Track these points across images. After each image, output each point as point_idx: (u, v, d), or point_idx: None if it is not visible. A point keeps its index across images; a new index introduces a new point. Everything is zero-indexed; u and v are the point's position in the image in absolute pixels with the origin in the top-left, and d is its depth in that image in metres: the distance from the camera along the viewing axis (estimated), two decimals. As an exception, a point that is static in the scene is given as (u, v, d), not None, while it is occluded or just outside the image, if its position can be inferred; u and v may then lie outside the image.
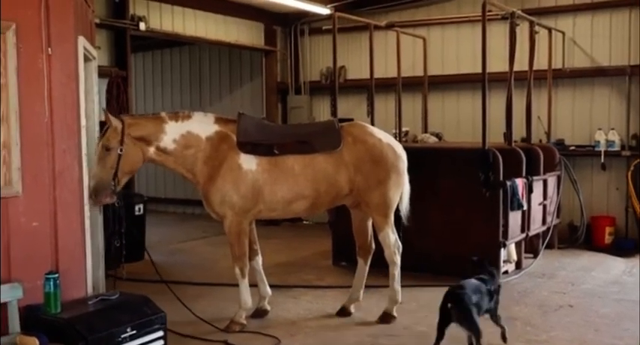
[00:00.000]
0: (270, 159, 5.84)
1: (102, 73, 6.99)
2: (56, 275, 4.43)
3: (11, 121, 4.39)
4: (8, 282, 4.36)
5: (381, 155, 6.04)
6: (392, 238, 6.11)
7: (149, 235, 9.22)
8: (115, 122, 5.47)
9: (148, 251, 6.25)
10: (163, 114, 5.80)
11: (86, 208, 5.10)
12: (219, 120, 5.93)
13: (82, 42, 5.12)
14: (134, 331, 4.53)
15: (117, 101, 8.92)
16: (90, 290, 5.07)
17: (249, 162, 5.77)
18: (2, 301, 4.31)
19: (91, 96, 5.70)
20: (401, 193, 6.25)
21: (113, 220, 6.23)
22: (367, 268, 6.39)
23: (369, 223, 6.34)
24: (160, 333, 4.77)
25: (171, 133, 5.67)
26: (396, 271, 6.15)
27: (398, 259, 6.14)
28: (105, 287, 5.76)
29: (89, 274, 5.09)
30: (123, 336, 4.45)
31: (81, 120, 5.04)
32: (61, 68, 4.75)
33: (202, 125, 5.80)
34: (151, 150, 5.64)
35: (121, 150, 5.45)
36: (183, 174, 5.90)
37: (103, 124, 5.97)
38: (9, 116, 4.38)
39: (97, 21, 7.80)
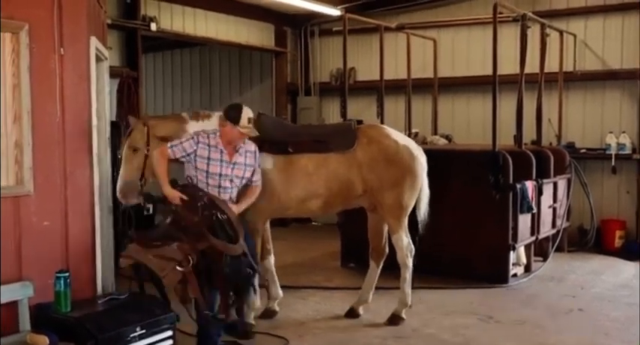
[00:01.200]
0: (286, 158, 5.85)
1: (113, 73, 7.01)
2: (67, 274, 4.45)
3: (24, 120, 4.41)
4: (19, 280, 4.39)
5: (396, 156, 6.02)
6: (405, 240, 6.10)
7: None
8: (139, 123, 5.50)
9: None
10: (184, 114, 5.80)
11: (97, 207, 5.11)
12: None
13: (94, 42, 5.14)
14: (143, 331, 4.53)
15: (128, 101, 8.94)
16: (100, 289, 5.08)
17: (266, 161, 5.76)
18: (13, 299, 4.34)
19: (102, 96, 5.72)
20: (417, 196, 6.23)
21: (123, 219, 6.25)
22: (379, 271, 6.38)
23: (385, 227, 6.31)
24: (169, 333, 4.78)
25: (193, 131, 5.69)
26: (408, 274, 6.14)
27: (410, 262, 6.13)
28: (114, 286, 5.78)
29: (99, 274, 5.11)
30: (132, 335, 4.46)
31: (92, 120, 5.06)
32: (73, 68, 4.78)
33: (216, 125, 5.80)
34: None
35: (147, 150, 5.45)
36: None
37: (114, 125, 6.01)
38: (21, 116, 4.41)
39: (109, 21, 7.83)
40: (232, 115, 5.22)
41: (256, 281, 6.08)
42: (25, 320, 4.39)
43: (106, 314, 4.55)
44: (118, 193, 5.45)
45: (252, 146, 5.39)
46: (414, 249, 6.17)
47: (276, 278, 6.40)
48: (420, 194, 6.25)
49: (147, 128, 5.46)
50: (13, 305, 4.36)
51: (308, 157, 5.89)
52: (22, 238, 4.44)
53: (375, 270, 6.39)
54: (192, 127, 5.67)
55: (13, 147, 4.39)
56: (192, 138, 5.23)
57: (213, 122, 5.75)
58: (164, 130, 5.58)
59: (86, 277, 4.90)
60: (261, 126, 5.80)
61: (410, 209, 6.17)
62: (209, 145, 5.20)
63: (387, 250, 6.40)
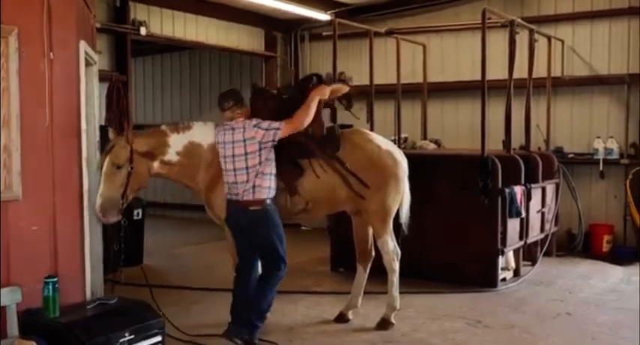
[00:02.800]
0: None
1: (102, 77, 6.98)
2: (55, 279, 4.42)
3: (12, 125, 4.39)
4: (7, 285, 4.36)
5: (380, 161, 6.05)
6: (391, 244, 6.11)
7: (148, 240, 9.22)
8: (122, 139, 5.46)
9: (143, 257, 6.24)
10: (164, 127, 5.80)
11: (85, 212, 5.10)
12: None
13: (83, 46, 5.13)
14: (132, 336, 4.51)
15: (117, 106, 8.90)
16: (88, 294, 5.06)
17: None
18: (1, 304, 4.31)
19: (91, 100, 5.71)
20: (400, 200, 6.26)
21: (112, 224, 6.23)
22: (366, 275, 6.40)
23: (370, 231, 6.34)
24: (159, 338, 4.76)
25: (175, 145, 5.68)
26: (395, 278, 6.16)
27: (396, 265, 6.14)
28: (103, 292, 5.75)
29: (88, 279, 5.09)
30: (121, 341, 4.44)
31: (81, 124, 5.04)
32: (63, 73, 4.77)
33: (203, 134, 5.80)
34: (155, 164, 5.65)
35: (131, 168, 5.44)
36: (185, 183, 5.92)
37: (102, 129, 5.98)
38: (10, 120, 4.38)
39: (98, 25, 7.82)
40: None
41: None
42: (13, 326, 4.36)
43: (94, 319, 4.53)
44: (97, 211, 5.36)
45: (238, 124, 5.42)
46: (400, 253, 6.18)
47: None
48: (402, 198, 6.27)
49: (130, 145, 5.45)
50: (1, 311, 4.33)
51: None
52: (11, 243, 4.41)
53: (362, 274, 6.40)
54: (174, 140, 5.69)
55: (1, 151, 4.36)
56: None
57: (193, 133, 5.77)
58: (146, 145, 5.58)
59: (75, 282, 4.88)
60: None
61: (394, 213, 6.19)
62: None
63: (373, 253, 6.41)
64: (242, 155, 5.31)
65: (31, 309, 4.45)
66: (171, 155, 5.68)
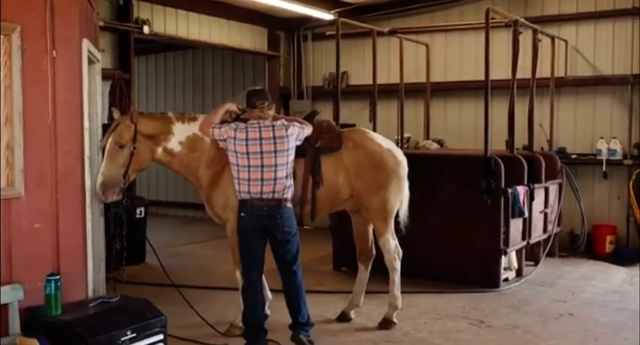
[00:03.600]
0: None
1: (105, 75, 7.00)
2: (57, 277, 4.43)
3: (15, 122, 4.39)
4: (9, 283, 4.36)
5: (381, 161, 6.04)
6: (392, 243, 6.11)
7: (150, 238, 9.20)
8: (127, 119, 5.48)
9: (157, 254, 6.21)
10: (170, 114, 5.79)
11: (88, 210, 5.09)
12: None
13: (86, 45, 5.13)
14: (134, 334, 4.52)
15: (120, 104, 8.92)
16: (90, 292, 5.06)
17: None
18: (3, 302, 4.31)
19: (94, 98, 5.70)
20: (401, 199, 6.25)
21: (114, 222, 6.22)
22: (368, 274, 6.40)
23: (370, 229, 6.35)
24: (160, 336, 4.76)
25: (178, 134, 5.66)
26: (396, 277, 6.15)
27: (398, 264, 6.14)
28: (105, 290, 5.75)
29: (90, 277, 5.09)
30: (123, 339, 4.44)
31: (84, 122, 5.04)
32: (66, 70, 4.76)
33: None
34: (159, 150, 5.63)
35: (134, 147, 5.45)
36: (186, 177, 5.90)
37: (105, 127, 5.97)
38: (13, 118, 4.39)
39: (101, 24, 7.81)
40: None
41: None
42: (15, 323, 4.36)
43: (96, 317, 4.53)
44: (97, 189, 5.33)
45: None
46: (401, 252, 6.18)
47: (265, 283, 6.38)
48: (402, 195, 6.26)
49: (134, 125, 5.46)
50: (3, 308, 4.33)
51: (295, 161, 5.88)
52: (13, 241, 4.41)
53: (364, 273, 6.40)
54: (178, 128, 5.67)
55: (4, 149, 4.36)
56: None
57: (198, 125, 5.75)
58: (151, 128, 5.58)
59: (77, 280, 4.87)
60: None
61: (395, 212, 6.19)
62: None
63: (374, 252, 6.41)
64: (272, 152, 5.27)
65: (33, 307, 4.45)
66: (174, 144, 5.65)
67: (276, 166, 5.26)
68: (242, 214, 5.36)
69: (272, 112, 5.46)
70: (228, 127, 5.38)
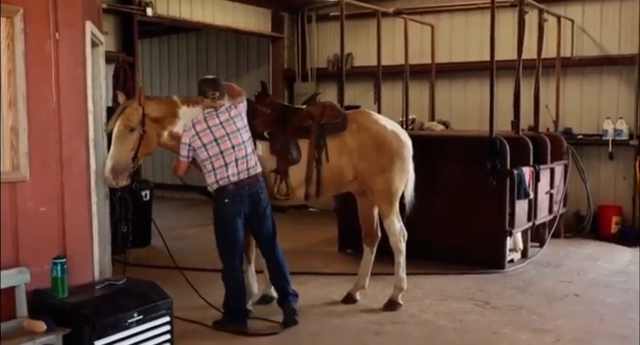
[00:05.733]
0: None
1: (109, 58, 6.97)
2: (63, 260, 4.44)
3: (19, 106, 4.38)
4: (16, 266, 4.38)
5: (385, 142, 6.03)
6: (397, 225, 6.11)
7: (155, 221, 9.22)
8: (135, 102, 5.47)
9: (163, 237, 6.23)
10: (175, 98, 5.76)
11: (93, 193, 5.09)
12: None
13: (89, 27, 5.10)
14: (140, 316, 4.54)
15: (123, 87, 8.90)
16: (97, 275, 5.08)
17: (256, 148, 5.76)
18: (10, 285, 4.33)
19: (98, 81, 5.68)
20: (406, 180, 6.24)
21: (120, 205, 6.23)
22: (373, 256, 6.41)
23: (375, 211, 6.34)
24: (167, 318, 4.79)
25: (184, 118, 5.62)
26: (402, 259, 6.16)
27: (403, 246, 6.15)
28: (111, 272, 5.77)
29: (96, 259, 5.10)
30: (129, 321, 4.47)
31: (88, 105, 5.03)
32: (69, 53, 4.73)
33: None
34: (165, 134, 5.61)
35: (143, 131, 5.43)
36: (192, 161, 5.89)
37: (109, 110, 5.96)
38: (17, 101, 4.37)
39: (104, 6, 7.77)
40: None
41: (252, 269, 6.14)
42: (22, 306, 4.39)
43: (103, 300, 4.55)
44: (107, 173, 5.33)
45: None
46: (406, 233, 6.18)
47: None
48: (407, 177, 6.25)
49: (142, 108, 5.44)
50: (10, 291, 4.35)
51: (301, 143, 5.88)
52: (19, 224, 4.42)
53: (369, 255, 6.41)
54: (184, 111, 5.65)
55: (8, 132, 4.36)
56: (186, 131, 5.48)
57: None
58: (158, 111, 5.56)
59: (83, 262, 4.88)
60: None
61: (400, 193, 6.19)
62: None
63: (379, 234, 6.42)
64: (235, 131, 5.40)
65: (39, 289, 4.47)
66: (180, 128, 5.62)
67: (244, 142, 5.42)
68: (226, 201, 5.42)
69: (222, 102, 5.48)
70: (184, 133, 5.45)
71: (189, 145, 5.39)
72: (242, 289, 5.65)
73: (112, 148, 5.40)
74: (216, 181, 5.39)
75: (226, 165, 5.35)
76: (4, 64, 4.31)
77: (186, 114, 5.64)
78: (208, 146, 5.34)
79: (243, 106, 5.58)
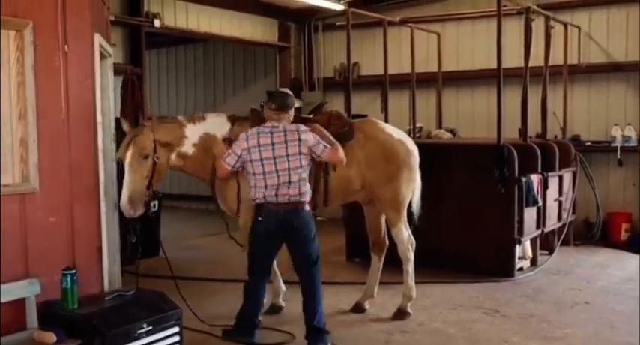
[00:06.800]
0: None
1: (117, 70, 7.00)
2: (73, 271, 4.45)
3: (29, 118, 4.41)
4: (26, 277, 4.40)
5: (393, 151, 6.03)
6: (405, 234, 6.11)
7: (164, 231, 9.25)
8: (146, 128, 5.40)
9: (162, 247, 6.25)
10: (180, 118, 5.77)
11: (102, 204, 5.12)
12: (232, 118, 5.95)
13: (97, 39, 5.14)
14: (150, 327, 4.55)
15: (132, 98, 8.95)
16: (106, 286, 5.10)
17: None
18: (20, 296, 4.35)
19: (106, 93, 5.72)
20: (413, 189, 6.24)
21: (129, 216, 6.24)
22: (381, 264, 6.40)
23: (383, 219, 6.35)
24: (176, 329, 4.79)
25: (191, 136, 5.66)
26: (410, 267, 6.16)
27: (411, 255, 6.14)
28: (121, 283, 5.79)
29: (105, 270, 5.12)
30: (139, 332, 4.47)
31: (97, 117, 5.06)
32: (78, 65, 4.78)
33: (217, 125, 5.80)
34: (173, 156, 5.61)
35: (157, 157, 5.40)
36: (200, 176, 5.90)
37: (118, 121, 5.99)
38: (26, 113, 4.41)
39: (112, 18, 7.83)
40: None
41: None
42: (32, 317, 4.40)
43: (113, 310, 4.56)
44: (125, 205, 5.26)
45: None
46: (414, 242, 6.17)
47: (278, 273, 6.42)
48: (414, 185, 6.25)
49: (153, 134, 5.40)
50: (21, 302, 4.37)
51: None
52: (29, 235, 4.45)
53: (377, 263, 6.40)
54: (190, 130, 5.67)
55: (18, 144, 4.39)
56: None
57: (207, 124, 5.76)
58: (167, 135, 5.54)
59: (93, 273, 4.91)
60: (253, 122, 5.81)
61: (407, 202, 6.19)
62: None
63: (387, 242, 6.42)
64: (284, 156, 5.16)
65: (49, 300, 4.48)
66: (188, 147, 5.66)
67: (289, 169, 5.16)
68: (259, 219, 5.29)
69: (286, 117, 5.33)
70: (237, 141, 5.30)
71: (239, 157, 5.26)
72: (256, 304, 5.52)
73: (126, 177, 5.32)
74: (255, 198, 5.27)
75: (266, 187, 5.18)
76: (14, 76, 4.35)
77: (194, 132, 5.67)
78: (254, 164, 5.19)
79: (310, 139, 5.23)
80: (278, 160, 5.15)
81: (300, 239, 5.33)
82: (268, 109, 5.29)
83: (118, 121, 6.06)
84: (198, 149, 5.71)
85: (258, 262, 5.48)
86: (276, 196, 5.17)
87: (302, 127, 5.27)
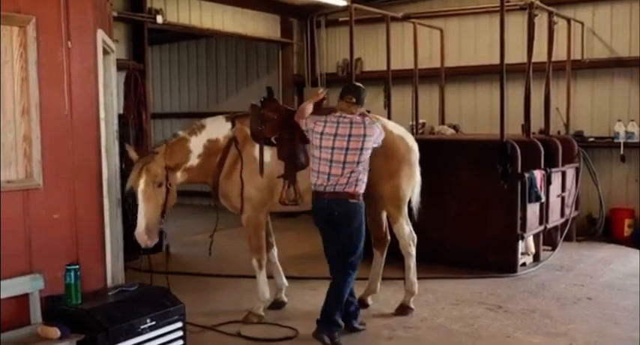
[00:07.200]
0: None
1: (119, 66, 7.00)
2: (77, 266, 4.47)
3: (32, 114, 4.42)
4: (29, 273, 4.41)
5: (393, 147, 6.03)
6: (406, 229, 6.11)
7: (167, 227, 9.25)
8: (158, 156, 5.33)
9: (165, 240, 6.23)
10: (181, 133, 5.72)
11: (105, 200, 5.12)
12: (231, 117, 5.95)
13: (100, 35, 5.14)
14: (154, 322, 4.56)
15: (134, 94, 8.96)
16: (109, 281, 5.11)
17: (264, 153, 5.79)
18: (24, 291, 4.36)
19: (109, 89, 5.72)
20: (413, 185, 6.24)
21: (132, 212, 6.24)
22: (383, 260, 6.41)
23: (384, 215, 6.35)
24: (179, 324, 4.81)
25: (196, 148, 5.68)
26: (412, 263, 6.16)
27: (413, 250, 6.14)
28: (124, 278, 5.80)
29: (109, 266, 5.13)
30: (143, 327, 4.49)
31: (100, 113, 5.07)
32: (81, 61, 4.78)
33: (217, 128, 5.82)
34: (178, 174, 5.58)
35: (169, 184, 5.37)
36: (202, 181, 5.91)
37: (121, 117, 5.98)
38: (30, 109, 4.41)
39: (115, 14, 7.82)
40: None
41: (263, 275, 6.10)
42: (36, 312, 4.42)
43: (116, 306, 4.57)
44: (142, 234, 5.21)
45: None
46: (415, 237, 6.17)
47: (280, 269, 6.43)
48: (414, 181, 6.26)
49: (165, 161, 5.35)
50: (24, 298, 4.39)
51: (309, 148, 5.89)
52: (32, 231, 4.46)
53: (379, 259, 6.42)
54: (194, 143, 5.68)
55: (21, 140, 4.40)
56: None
57: (208, 130, 5.76)
58: (175, 158, 5.50)
59: (96, 269, 4.92)
60: (253, 118, 5.82)
61: (408, 198, 6.19)
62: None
63: (388, 237, 6.43)
64: (342, 149, 5.22)
65: (53, 296, 4.50)
66: (193, 160, 5.67)
67: (344, 162, 5.22)
68: (312, 205, 5.45)
69: (358, 110, 5.39)
70: (310, 118, 5.48)
71: (307, 131, 5.46)
72: (332, 297, 5.44)
73: (141, 206, 5.27)
74: (311, 182, 5.41)
75: (318, 172, 5.29)
76: (17, 72, 4.35)
77: (197, 143, 5.69)
78: (314, 147, 5.36)
79: (376, 132, 5.35)
80: (335, 151, 5.24)
81: (340, 230, 5.35)
82: (344, 101, 5.37)
83: (120, 116, 6.07)
84: (203, 158, 5.72)
85: (325, 249, 5.55)
86: (324, 185, 5.27)
87: (368, 121, 5.36)
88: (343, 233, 5.34)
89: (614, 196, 9.68)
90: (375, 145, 5.40)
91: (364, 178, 5.35)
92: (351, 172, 5.22)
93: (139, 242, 5.29)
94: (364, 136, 5.25)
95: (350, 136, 5.23)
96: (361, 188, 5.33)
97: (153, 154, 5.39)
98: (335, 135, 5.24)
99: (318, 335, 5.33)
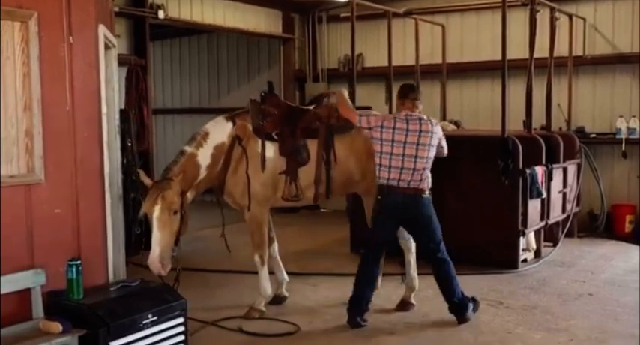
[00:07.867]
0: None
1: (121, 61, 7.00)
2: (78, 262, 4.47)
3: (34, 109, 4.42)
4: (31, 268, 4.42)
5: None
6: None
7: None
8: (175, 182, 5.24)
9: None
10: (188, 148, 5.62)
11: (107, 195, 5.13)
12: (231, 116, 5.94)
13: (102, 30, 5.14)
14: (155, 317, 4.57)
15: (136, 89, 8.96)
16: (111, 276, 5.12)
17: (267, 149, 5.79)
18: (26, 286, 4.37)
19: (111, 84, 5.71)
20: None
21: (133, 207, 6.26)
22: (384, 255, 6.40)
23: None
24: (181, 319, 4.81)
25: (204, 160, 5.65)
26: (412, 258, 6.18)
27: (412, 245, 6.15)
28: (126, 274, 5.81)
29: (110, 261, 5.14)
30: (144, 322, 4.50)
31: (102, 108, 5.07)
32: (82, 57, 4.77)
33: (220, 131, 5.80)
34: (188, 195, 5.54)
35: (184, 211, 5.33)
36: (209, 187, 5.89)
37: (122, 113, 5.98)
38: (32, 104, 4.41)
39: (116, 9, 7.82)
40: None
41: (265, 271, 6.10)
42: (38, 307, 4.42)
43: (118, 301, 4.58)
44: (155, 262, 5.12)
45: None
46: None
47: (280, 264, 6.44)
48: None
49: (180, 187, 5.28)
50: (26, 292, 4.40)
51: (310, 144, 5.90)
52: (34, 226, 4.46)
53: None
54: (202, 156, 5.63)
55: (23, 135, 4.40)
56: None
57: (212, 136, 5.72)
58: (188, 180, 5.43)
59: (98, 264, 4.92)
60: (253, 114, 5.81)
61: None
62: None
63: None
64: (414, 144, 5.45)
65: (55, 291, 4.51)
66: (202, 173, 5.64)
67: (416, 157, 5.43)
68: (379, 198, 5.57)
69: (420, 108, 5.63)
70: (376, 117, 5.62)
71: (370, 128, 5.56)
72: (362, 281, 5.70)
73: (155, 234, 5.18)
74: (379, 177, 5.55)
75: (389, 167, 5.46)
76: (19, 67, 4.36)
77: (205, 154, 5.65)
78: (384, 143, 5.47)
79: (441, 132, 5.69)
80: (407, 146, 5.42)
81: (421, 225, 5.64)
82: (408, 99, 5.58)
83: (122, 111, 6.07)
84: (210, 168, 5.69)
85: (370, 239, 5.74)
86: (398, 180, 5.43)
87: (434, 120, 5.61)
88: (425, 226, 5.64)
89: (615, 192, 9.67)
90: (441, 142, 5.67)
91: (429, 175, 5.60)
92: (423, 168, 5.46)
93: (151, 270, 5.20)
94: (432, 132, 5.51)
95: (420, 131, 5.46)
96: (429, 184, 5.62)
97: (169, 181, 5.26)
98: (407, 130, 5.44)
99: (466, 317, 5.70)
